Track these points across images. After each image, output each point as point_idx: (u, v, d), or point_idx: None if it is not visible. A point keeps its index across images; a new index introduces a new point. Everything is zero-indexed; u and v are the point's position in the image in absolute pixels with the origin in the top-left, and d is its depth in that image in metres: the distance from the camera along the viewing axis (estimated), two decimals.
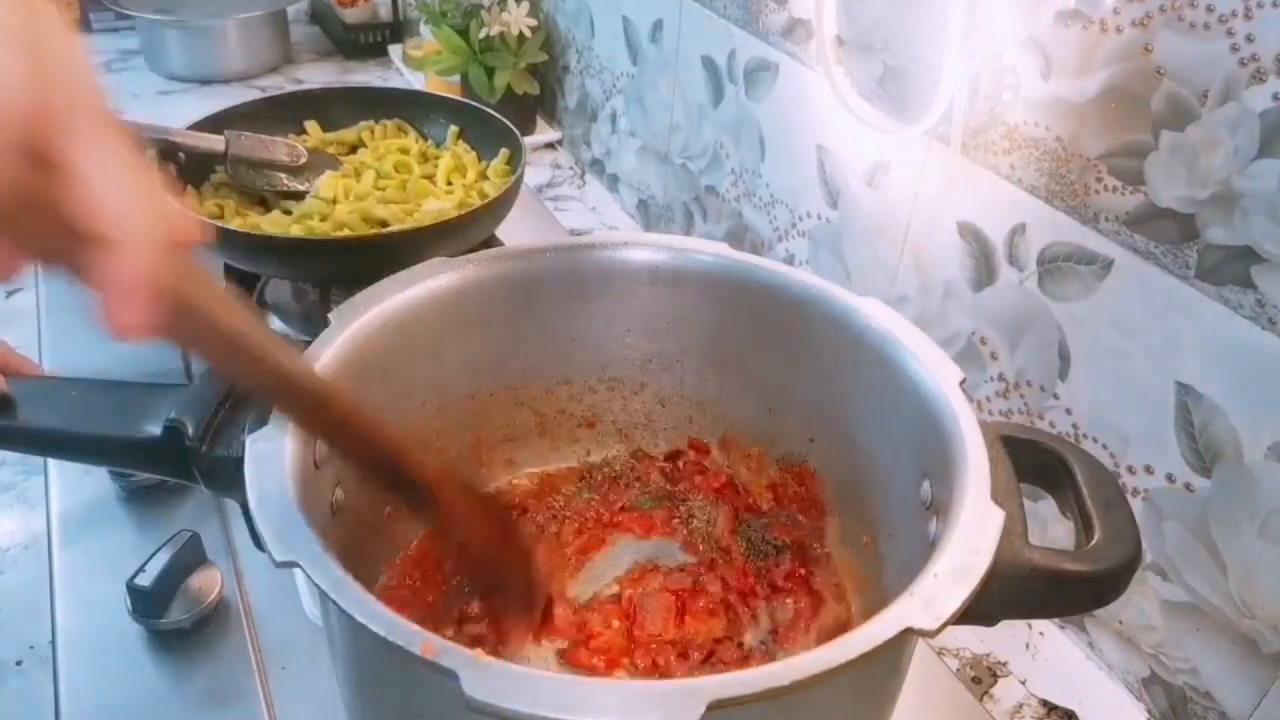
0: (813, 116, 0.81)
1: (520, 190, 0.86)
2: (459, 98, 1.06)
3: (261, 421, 0.44)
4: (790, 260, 0.88)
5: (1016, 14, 0.60)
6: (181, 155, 0.86)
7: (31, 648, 0.60)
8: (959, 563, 0.38)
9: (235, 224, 0.82)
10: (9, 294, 0.93)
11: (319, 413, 0.43)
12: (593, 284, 0.60)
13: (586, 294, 0.60)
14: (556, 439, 0.64)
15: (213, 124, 0.89)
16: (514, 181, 0.84)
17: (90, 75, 0.30)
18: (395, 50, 1.50)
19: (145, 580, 0.58)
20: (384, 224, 0.83)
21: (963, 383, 0.48)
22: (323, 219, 0.83)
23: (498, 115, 0.94)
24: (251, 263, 0.82)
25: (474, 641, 0.50)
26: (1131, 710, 0.62)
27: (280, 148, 0.88)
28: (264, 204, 0.89)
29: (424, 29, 1.32)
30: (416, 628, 0.34)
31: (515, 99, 1.21)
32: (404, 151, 0.93)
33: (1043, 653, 0.65)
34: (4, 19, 0.27)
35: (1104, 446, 0.61)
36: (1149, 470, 0.59)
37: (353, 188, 0.87)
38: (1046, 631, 0.67)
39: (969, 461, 0.43)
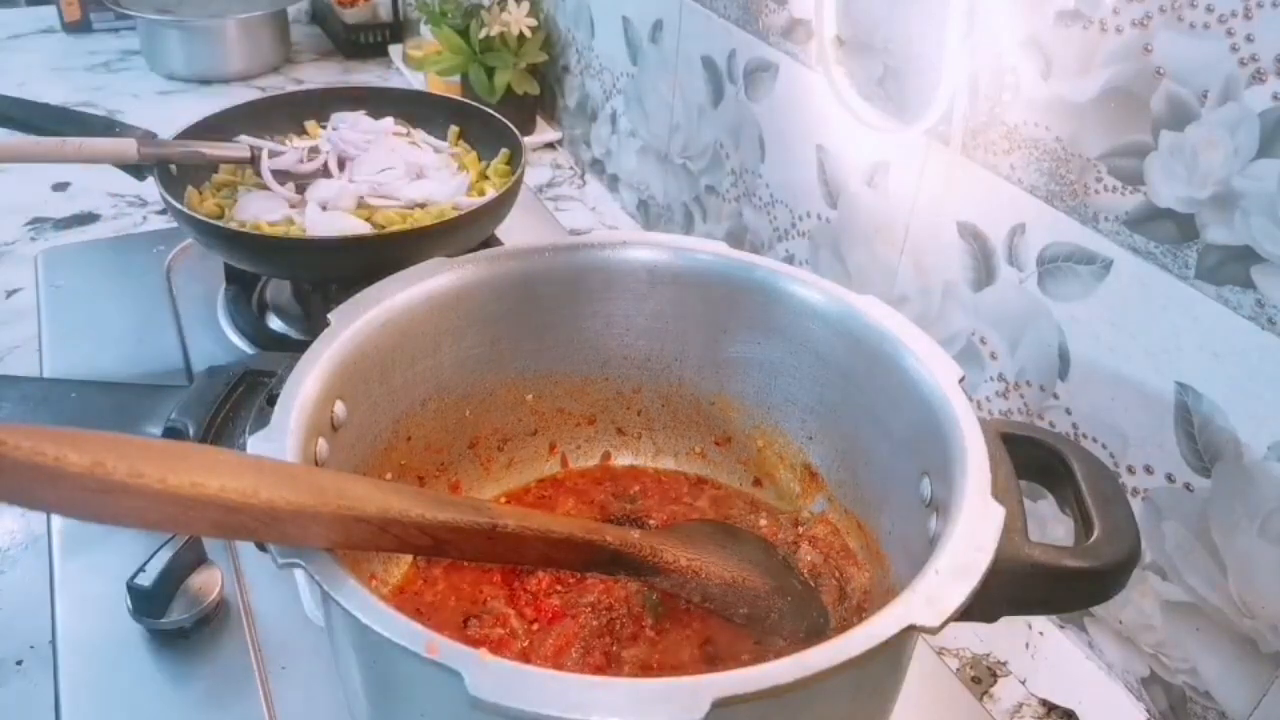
0: (812, 116, 0.81)
1: (520, 190, 0.86)
2: (459, 98, 1.06)
3: (262, 422, 0.44)
4: (790, 260, 0.88)
5: (1016, 14, 0.60)
6: None
7: (31, 648, 0.60)
8: (960, 560, 0.38)
9: (235, 224, 0.82)
10: (9, 294, 0.93)
11: (492, 542, 0.44)
12: (592, 283, 0.60)
13: (586, 293, 0.60)
14: (555, 438, 0.64)
15: (213, 124, 0.89)
16: (514, 181, 0.84)
17: None
18: (395, 50, 1.50)
19: (145, 580, 0.58)
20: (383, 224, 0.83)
21: (962, 380, 0.48)
22: None
23: (498, 115, 0.94)
24: (251, 263, 0.83)
25: (478, 641, 0.50)
26: (1131, 710, 0.62)
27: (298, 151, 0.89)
28: None
29: (424, 29, 1.33)
30: (420, 627, 0.34)
31: (515, 99, 1.21)
32: None
33: (1042, 652, 0.65)
34: None
35: (1103, 446, 0.61)
36: (1148, 470, 0.59)
37: None
38: (1046, 631, 0.67)
39: (969, 459, 0.43)
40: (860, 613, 0.54)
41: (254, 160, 0.87)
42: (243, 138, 0.90)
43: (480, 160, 0.95)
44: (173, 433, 0.66)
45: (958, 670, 0.64)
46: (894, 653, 0.40)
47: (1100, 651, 0.65)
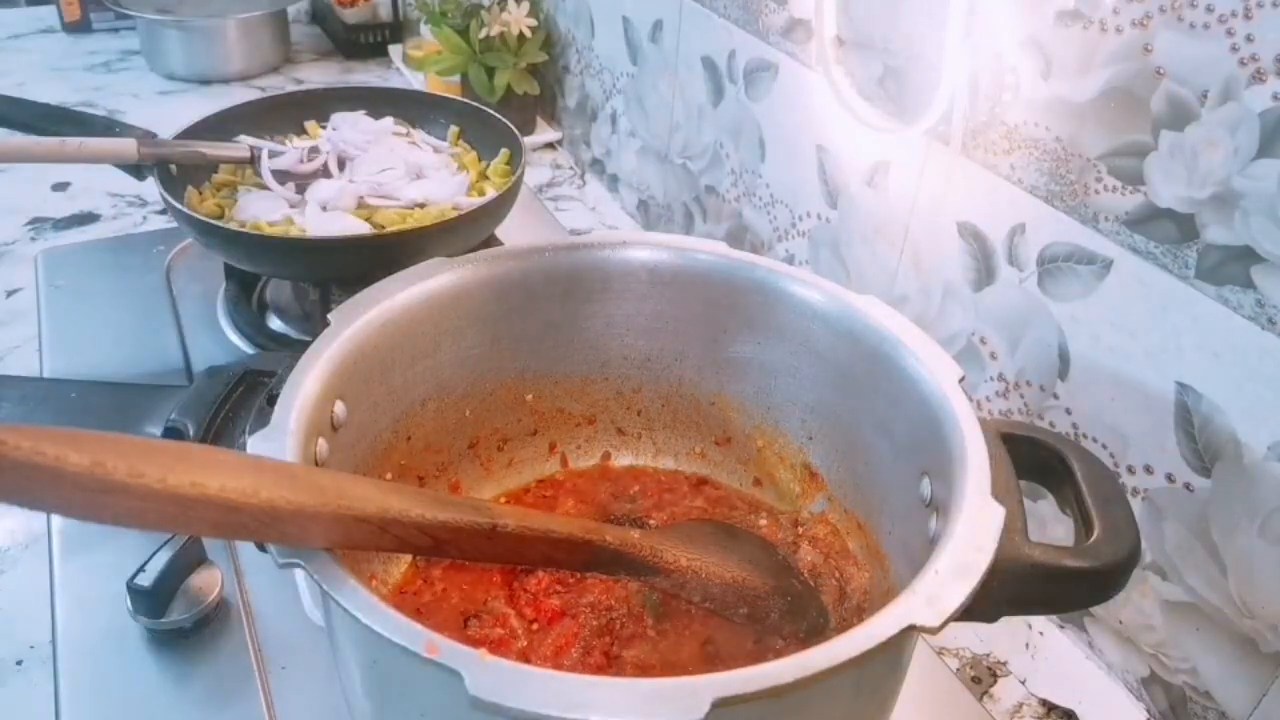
0: (812, 116, 0.81)
1: (520, 190, 0.86)
2: (459, 98, 1.06)
3: (262, 422, 0.44)
4: (790, 260, 0.88)
5: (1016, 14, 0.60)
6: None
7: (31, 648, 0.60)
8: (960, 560, 0.38)
9: (235, 224, 0.82)
10: (9, 294, 0.93)
11: (492, 543, 0.45)
12: (592, 284, 0.60)
13: (586, 294, 0.60)
14: (555, 438, 0.64)
15: (213, 124, 0.89)
16: (514, 181, 0.84)
17: None
18: (395, 50, 1.50)
19: (145, 580, 0.58)
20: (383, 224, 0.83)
21: (962, 380, 0.48)
22: None
23: (498, 115, 0.94)
24: (251, 263, 0.83)
25: (478, 641, 0.50)
26: (1131, 710, 0.62)
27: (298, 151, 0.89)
28: None
29: (424, 29, 1.32)
30: (420, 627, 0.34)
31: (515, 99, 1.21)
32: None
33: (1042, 652, 0.65)
34: None
35: (1104, 446, 0.61)
36: (1148, 470, 0.59)
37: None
38: (1046, 631, 0.67)
39: (969, 459, 0.43)
40: (860, 613, 0.54)
41: (254, 160, 0.87)
42: (243, 138, 0.90)
43: (480, 160, 0.95)
44: (173, 433, 0.66)
45: (958, 670, 0.64)
46: (894, 653, 0.40)
47: (1100, 651, 0.65)
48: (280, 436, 0.43)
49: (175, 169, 0.85)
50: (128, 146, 0.81)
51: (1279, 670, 0.54)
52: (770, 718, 0.37)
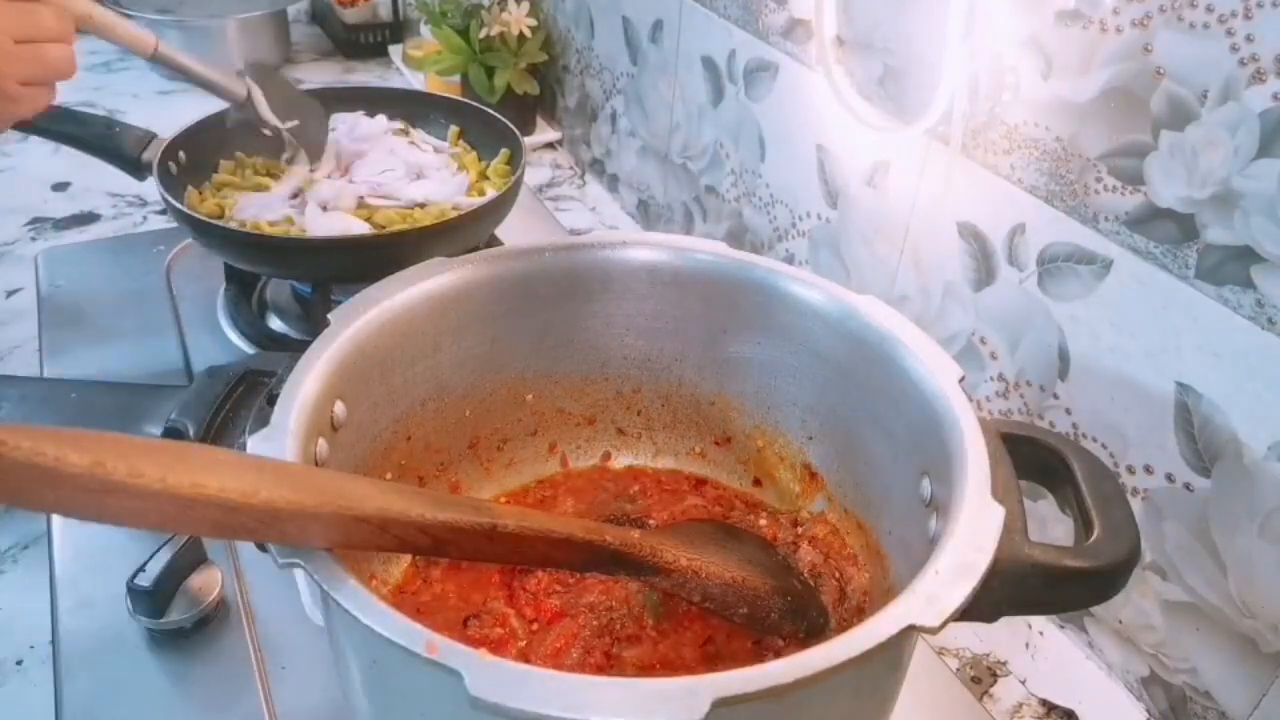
0: (813, 116, 0.81)
1: (520, 190, 0.86)
2: (459, 98, 1.06)
3: (262, 422, 0.44)
4: (790, 260, 0.88)
5: (1016, 14, 0.60)
6: (182, 155, 0.87)
7: (31, 648, 0.60)
8: (960, 560, 0.38)
9: (235, 224, 0.82)
10: (9, 294, 0.93)
11: (492, 543, 0.44)
12: (592, 284, 0.60)
13: (586, 294, 0.60)
14: (556, 438, 0.64)
15: (213, 124, 0.89)
16: (514, 181, 0.84)
17: None
18: (395, 50, 1.50)
19: (145, 580, 0.58)
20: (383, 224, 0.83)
21: (962, 380, 0.48)
22: None
23: (498, 115, 0.94)
24: (251, 263, 0.83)
25: (478, 641, 0.50)
26: (1131, 710, 0.62)
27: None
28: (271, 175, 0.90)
29: (424, 29, 1.33)
30: (420, 627, 0.34)
31: (515, 99, 1.21)
32: None
33: (1042, 652, 0.65)
34: None
35: (1104, 446, 0.61)
36: (1148, 470, 0.59)
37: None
38: (1046, 631, 0.67)
39: (969, 459, 0.43)
40: (860, 613, 0.54)
41: (249, 99, 0.85)
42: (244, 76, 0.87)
43: (480, 160, 0.95)
44: (173, 433, 0.66)
45: (958, 670, 0.64)
46: (894, 653, 0.40)
47: (1100, 651, 0.65)
48: (280, 436, 0.43)
49: (175, 168, 0.85)
50: (146, 39, 0.81)
51: (1279, 670, 0.54)
52: (770, 718, 0.37)
